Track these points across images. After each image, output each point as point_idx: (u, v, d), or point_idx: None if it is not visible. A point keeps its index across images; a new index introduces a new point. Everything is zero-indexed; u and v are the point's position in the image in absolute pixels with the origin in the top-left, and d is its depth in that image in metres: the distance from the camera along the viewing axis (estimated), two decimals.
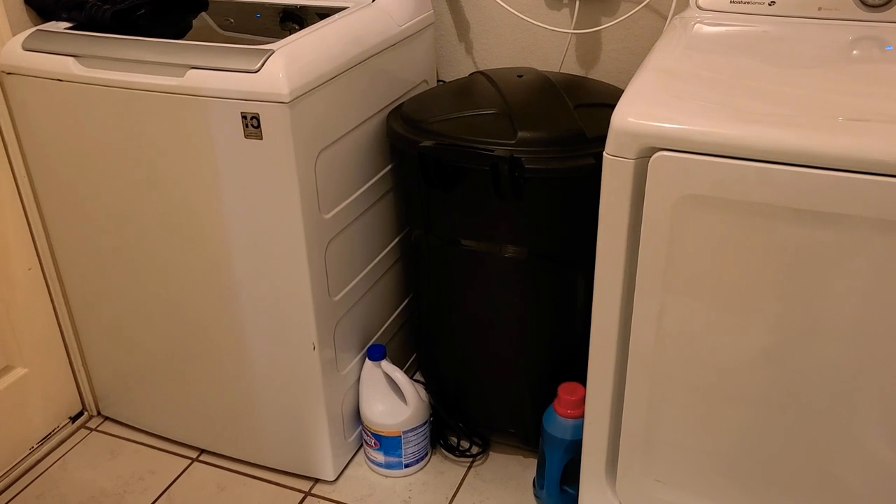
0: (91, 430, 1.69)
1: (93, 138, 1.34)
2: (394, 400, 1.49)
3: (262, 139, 1.21)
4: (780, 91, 1.04)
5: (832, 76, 1.09)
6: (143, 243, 1.41)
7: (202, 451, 1.62)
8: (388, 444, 1.49)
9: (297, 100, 1.19)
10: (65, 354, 1.65)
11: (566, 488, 1.39)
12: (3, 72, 1.36)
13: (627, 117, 0.99)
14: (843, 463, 1.06)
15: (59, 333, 1.63)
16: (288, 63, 1.19)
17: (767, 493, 1.13)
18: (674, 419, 1.13)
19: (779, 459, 1.10)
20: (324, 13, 1.39)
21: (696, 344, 1.07)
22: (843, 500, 1.09)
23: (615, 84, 1.49)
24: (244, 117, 1.20)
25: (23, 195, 1.49)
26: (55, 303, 1.59)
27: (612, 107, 1.01)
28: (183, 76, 1.22)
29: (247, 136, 1.21)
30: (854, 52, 1.17)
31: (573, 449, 1.33)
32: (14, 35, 1.37)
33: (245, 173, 1.25)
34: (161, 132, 1.28)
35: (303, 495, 1.50)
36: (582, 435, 1.24)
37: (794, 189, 0.92)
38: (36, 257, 1.54)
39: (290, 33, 1.27)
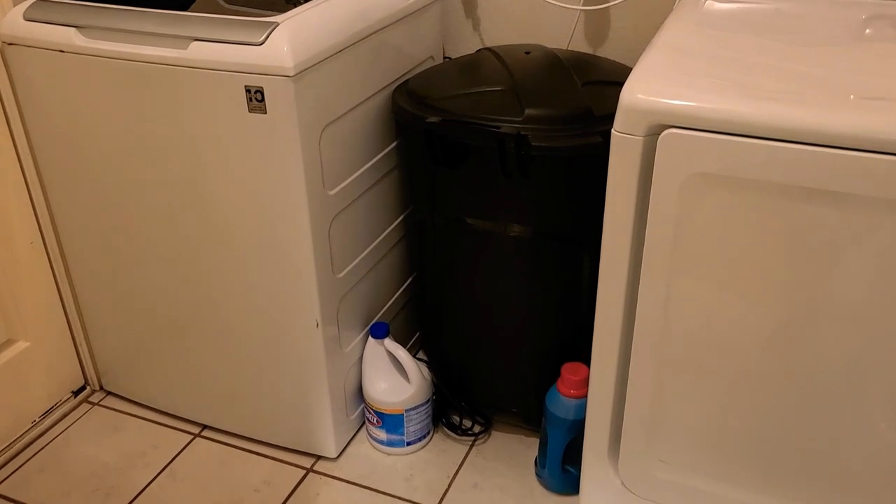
0: (93, 404, 1.69)
1: (95, 110, 1.33)
2: (396, 378, 1.49)
3: (266, 113, 1.20)
4: (791, 69, 1.03)
5: (844, 54, 1.08)
6: (145, 217, 1.40)
7: (205, 427, 1.62)
8: (390, 421, 1.49)
9: (301, 73, 1.17)
10: (67, 328, 1.65)
11: (568, 468, 1.39)
12: (4, 42, 1.35)
13: (637, 94, 0.98)
14: (849, 445, 1.06)
15: (62, 307, 1.62)
16: (293, 36, 1.17)
17: (772, 474, 1.13)
18: (678, 399, 1.13)
19: (784, 440, 1.09)
20: None
21: (703, 324, 1.06)
22: (848, 482, 1.09)
23: (624, 62, 1.47)
24: (248, 91, 1.19)
25: (25, 168, 1.48)
26: (57, 277, 1.59)
27: (621, 84, 1.00)
28: (186, 48, 1.21)
29: (251, 109, 1.20)
30: (867, 30, 1.15)
31: (576, 429, 1.33)
32: (15, 5, 1.36)
33: (249, 148, 1.24)
34: (164, 105, 1.26)
35: (305, 472, 1.50)
36: (585, 415, 1.24)
37: (804, 168, 0.91)
38: (38, 231, 1.53)
39: (296, 6, 1.26)
